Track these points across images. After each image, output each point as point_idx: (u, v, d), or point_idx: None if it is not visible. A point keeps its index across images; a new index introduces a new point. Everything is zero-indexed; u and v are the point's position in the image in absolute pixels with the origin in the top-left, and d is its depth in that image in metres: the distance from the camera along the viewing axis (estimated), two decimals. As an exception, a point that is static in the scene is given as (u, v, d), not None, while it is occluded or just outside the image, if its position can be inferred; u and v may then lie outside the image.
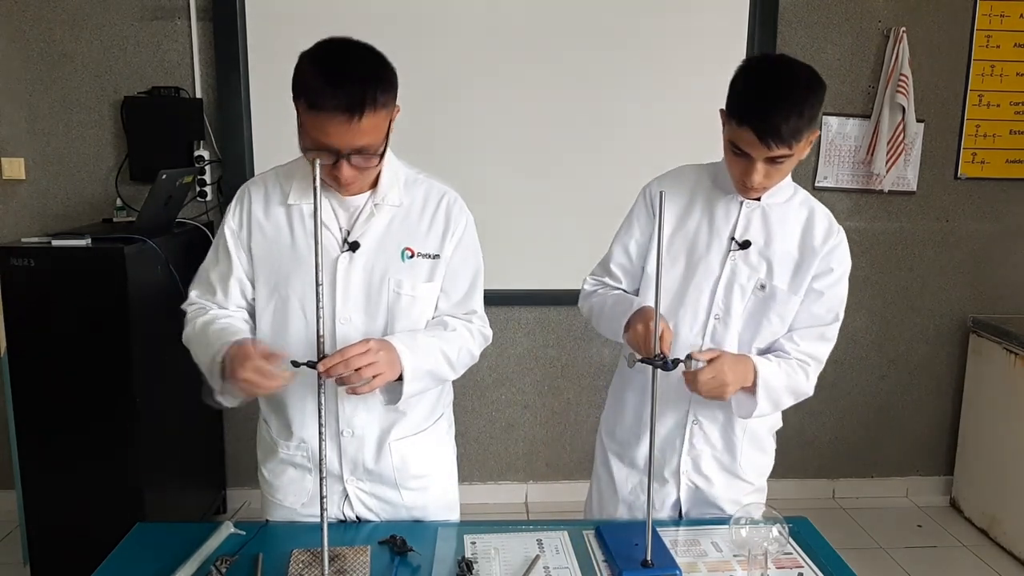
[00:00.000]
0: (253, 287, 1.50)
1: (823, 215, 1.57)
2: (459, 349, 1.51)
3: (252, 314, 1.53)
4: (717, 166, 1.60)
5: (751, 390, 1.49)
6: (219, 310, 1.51)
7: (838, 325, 1.58)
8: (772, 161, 1.41)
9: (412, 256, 1.48)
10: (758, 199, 1.55)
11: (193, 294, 1.55)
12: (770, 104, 1.36)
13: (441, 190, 1.53)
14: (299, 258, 1.45)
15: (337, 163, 1.33)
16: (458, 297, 1.54)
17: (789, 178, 1.56)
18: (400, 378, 1.39)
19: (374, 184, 1.47)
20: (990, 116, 3.25)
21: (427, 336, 1.48)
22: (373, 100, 1.29)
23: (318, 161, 1.19)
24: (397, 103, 1.39)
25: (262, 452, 1.63)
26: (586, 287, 1.75)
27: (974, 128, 3.25)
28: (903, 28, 3.08)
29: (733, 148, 1.44)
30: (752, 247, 1.54)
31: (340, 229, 1.46)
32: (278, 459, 1.58)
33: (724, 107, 1.47)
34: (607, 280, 1.71)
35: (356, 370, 1.29)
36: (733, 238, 1.55)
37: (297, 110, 1.34)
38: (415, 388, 1.43)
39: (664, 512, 1.65)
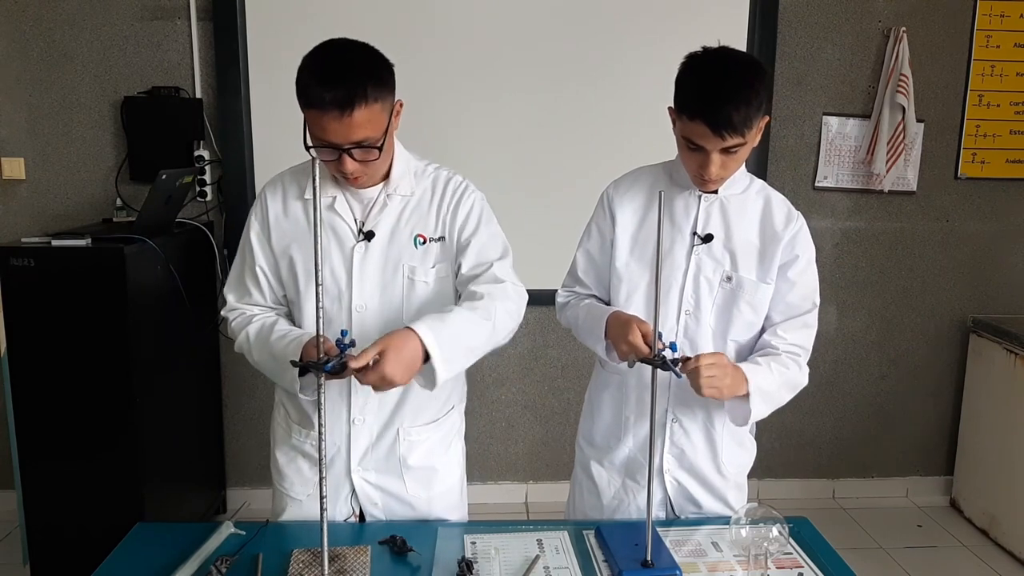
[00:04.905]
0: (282, 285, 1.55)
1: (780, 201, 1.59)
2: (492, 309, 1.44)
3: (287, 308, 1.59)
4: (672, 163, 1.61)
5: (743, 397, 1.47)
6: (262, 313, 1.55)
7: (816, 312, 1.59)
8: (727, 151, 1.43)
9: (424, 242, 1.52)
10: (715, 192, 1.56)
11: (231, 299, 1.59)
12: (720, 96, 1.38)
13: (448, 176, 1.58)
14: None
15: (340, 157, 1.38)
16: (475, 264, 1.51)
17: (744, 168, 1.57)
18: (428, 358, 1.34)
19: (386, 176, 1.51)
20: (990, 116, 3.24)
21: (448, 312, 1.41)
22: (364, 95, 1.33)
23: (317, 161, 1.21)
24: (399, 98, 1.43)
25: (275, 438, 1.66)
26: (559, 299, 1.75)
27: (974, 128, 3.25)
28: (903, 28, 3.08)
29: (688, 144, 1.45)
30: (715, 240, 1.55)
31: (355, 220, 1.51)
32: (290, 445, 1.61)
33: (672, 105, 1.48)
34: (577, 289, 1.72)
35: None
36: (695, 233, 1.56)
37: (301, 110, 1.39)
38: (451, 370, 1.38)
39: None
